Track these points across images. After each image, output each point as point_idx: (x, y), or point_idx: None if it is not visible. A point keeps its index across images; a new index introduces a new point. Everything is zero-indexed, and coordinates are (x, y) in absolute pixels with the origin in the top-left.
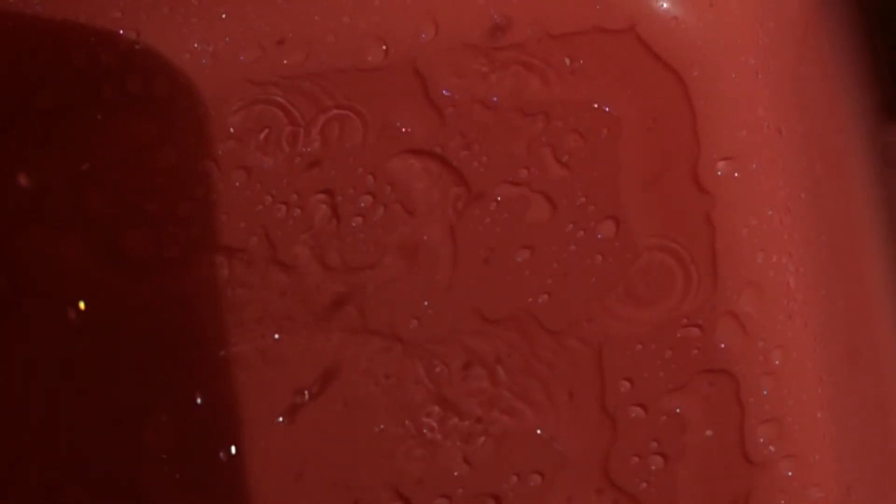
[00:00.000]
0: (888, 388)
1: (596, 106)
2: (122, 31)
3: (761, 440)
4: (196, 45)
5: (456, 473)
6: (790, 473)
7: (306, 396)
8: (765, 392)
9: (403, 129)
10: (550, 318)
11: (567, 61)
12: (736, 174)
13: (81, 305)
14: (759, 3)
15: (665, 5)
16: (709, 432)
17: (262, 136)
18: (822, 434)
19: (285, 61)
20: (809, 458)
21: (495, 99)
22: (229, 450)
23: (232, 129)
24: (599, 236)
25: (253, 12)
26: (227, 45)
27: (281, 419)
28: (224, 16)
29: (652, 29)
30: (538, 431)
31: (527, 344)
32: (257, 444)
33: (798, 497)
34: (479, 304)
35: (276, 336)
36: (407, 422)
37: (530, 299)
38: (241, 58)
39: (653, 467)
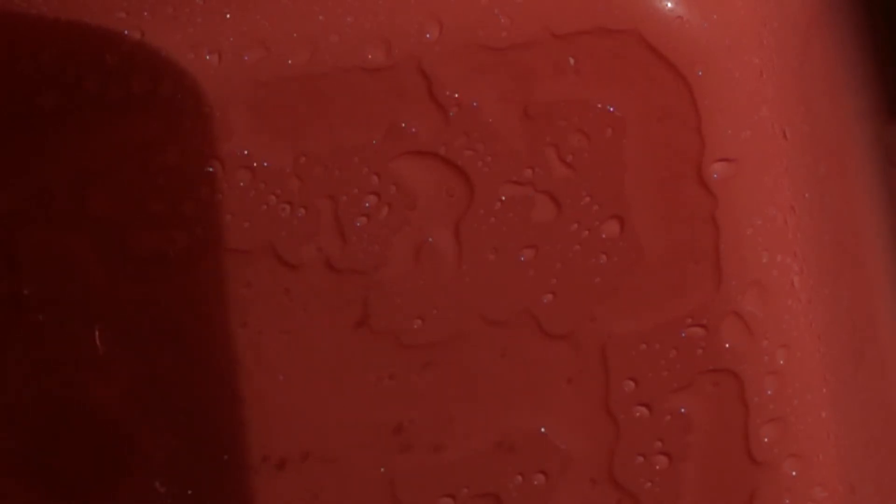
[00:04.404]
0: (893, 387)
1: (600, 106)
2: (126, 32)
3: (766, 440)
4: (200, 45)
5: (460, 473)
6: (794, 473)
7: (307, 395)
8: (769, 392)
9: (408, 130)
10: (554, 317)
11: (571, 61)
12: (740, 174)
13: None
14: (763, 3)
15: (669, 5)
16: (713, 432)
17: (266, 135)
18: (827, 433)
19: (290, 61)
20: (814, 457)
21: (499, 99)
22: (230, 451)
23: (236, 129)
24: (604, 236)
25: (257, 12)
26: (232, 45)
27: (282, 419)
28: (228, 16)
29: (656, 29)
30: (542, 430)
31: (530, 343)
32: (258, 444)
33: (802, 496)
34: (483, 304)
35: (280, 336)
36: (409, 421)
37: (535, 299)
38: (246, 57)
39: (657, 467)
